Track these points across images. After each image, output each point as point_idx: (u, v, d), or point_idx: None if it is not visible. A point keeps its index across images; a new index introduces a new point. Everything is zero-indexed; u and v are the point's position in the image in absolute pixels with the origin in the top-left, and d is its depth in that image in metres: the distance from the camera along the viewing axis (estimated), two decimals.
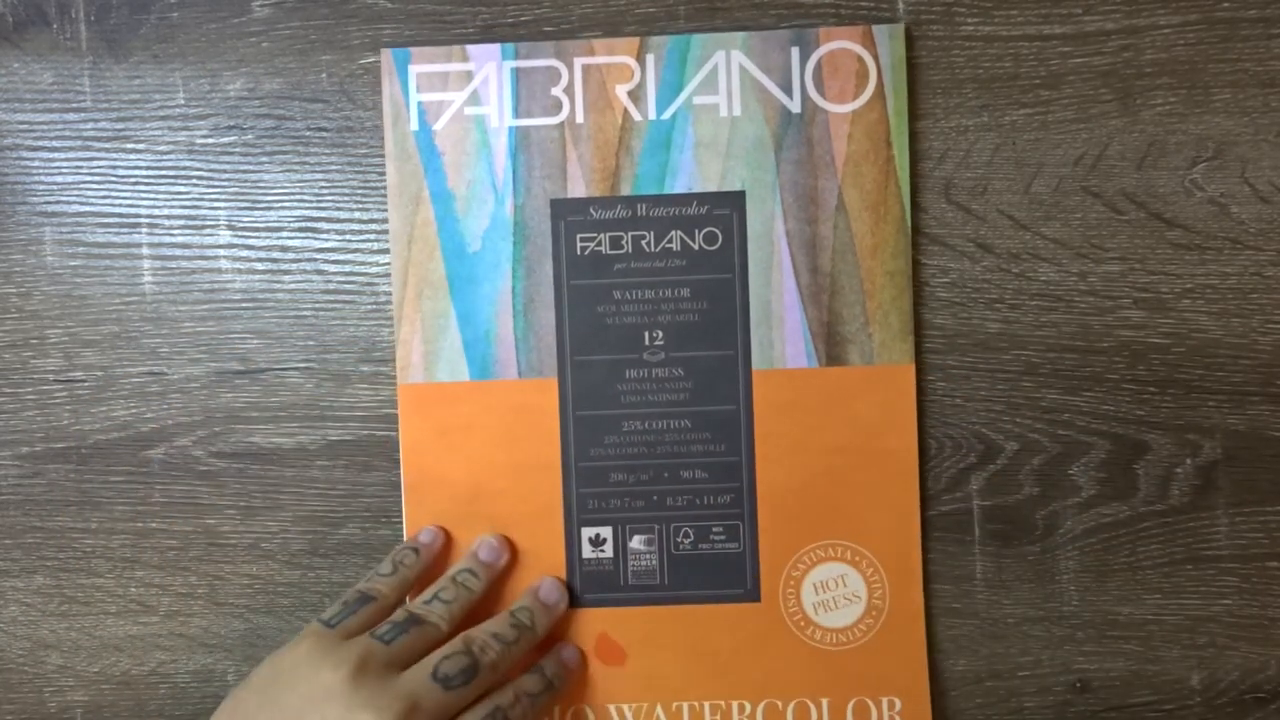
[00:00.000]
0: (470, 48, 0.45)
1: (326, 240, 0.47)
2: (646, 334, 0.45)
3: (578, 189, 0.45)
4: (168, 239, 0.48)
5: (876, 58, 0.45)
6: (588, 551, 0.46)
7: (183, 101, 0.47)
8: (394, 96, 0.46)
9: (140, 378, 0.48)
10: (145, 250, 0.48)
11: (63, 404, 0.48)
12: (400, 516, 0.47)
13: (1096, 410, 0.46)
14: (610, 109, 0.45)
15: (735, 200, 0.45)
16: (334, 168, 0.47)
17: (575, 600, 0.46)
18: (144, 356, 0.48)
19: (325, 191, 0.47)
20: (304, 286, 0.47)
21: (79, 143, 0.48)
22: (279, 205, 0.47)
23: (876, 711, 0.46)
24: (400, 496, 0.47)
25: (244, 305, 0.47)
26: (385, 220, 0.47)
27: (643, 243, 0.45)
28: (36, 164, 0.48)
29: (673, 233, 0.45)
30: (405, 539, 0.46)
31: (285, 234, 0.47)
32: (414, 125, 0.45)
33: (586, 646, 0.46)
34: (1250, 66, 0.45)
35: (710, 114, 0.45)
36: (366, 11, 0.47)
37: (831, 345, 0.45)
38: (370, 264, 0.47)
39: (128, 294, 0.48)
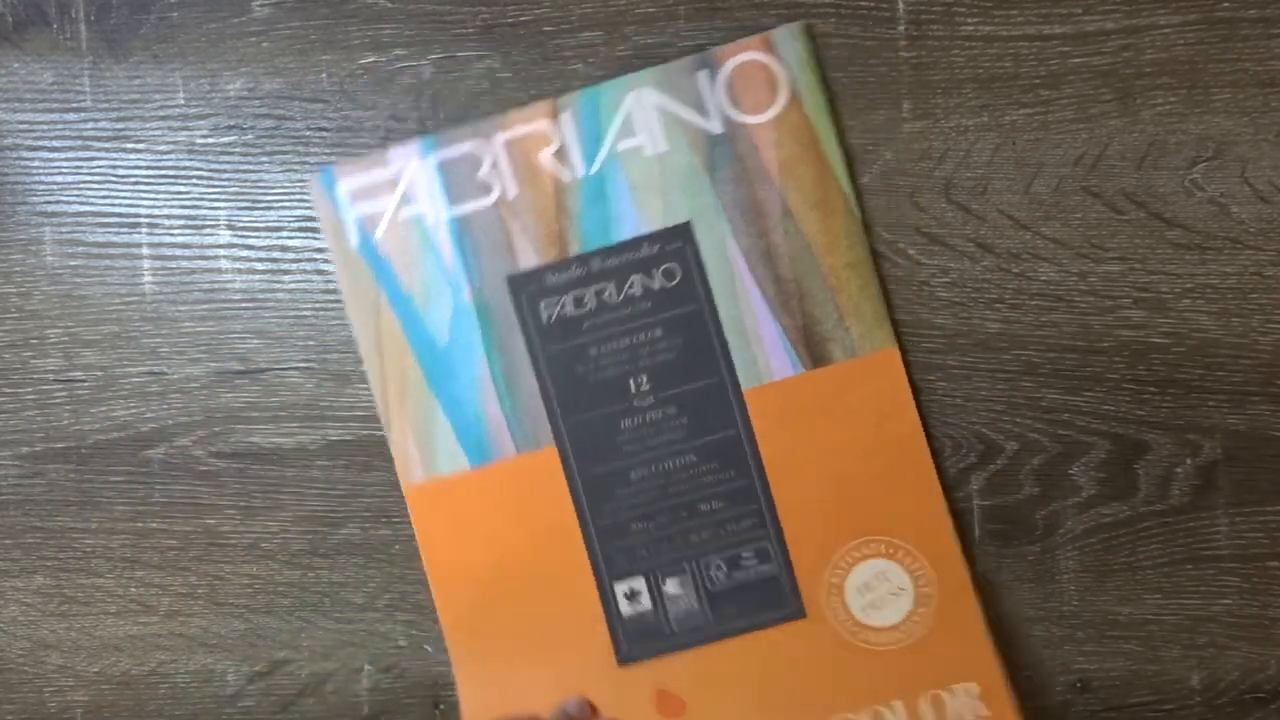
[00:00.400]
0: (390, 151, 0.45)
1: (327, 240, 0.47)
2: (631, 382, 0.45)
3: (529, 260, 0.45)
4: (168, 239, 0.48)
5: (782, 60, 0.45)
6: (625, 607, 0.46)
7: (183, 101, 0.47)
8: (329, 217, 0.46)
9: (140, 378, 0.48)
10: (145, 250, 0.48)
11: (63, 404, 0.48)
12: (403, 518, 0.47)
13: (1096, 410, 0.46)
14: (539, 177, 0.45)
15: (683, 232, 0.45)
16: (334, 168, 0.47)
17: (624, 658, 0.46)
18: (144, 356, 0.48)
19: None
20: (304, 286, 0.47)
21: (79, 143, 0.48)
22: (279, 205, 0.47)
23: (954, 701, 0.45)
24: (401, 498, 0.47)
25: (244, 305, 0.47)
26: None
27: (604, 296, 0.45)
28: (36, 164, 0.48)
29: (631, 278, 0.45)
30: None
31: (285, 234, 0.47)
32: (355, 241, 0.45)
33: (645, 704, 0.45)
34: (1250, 66, 0.45)
35: (636, 156, 0.45)
36: (366, 11, 0.47)
37: (813, 348, 0.45)
38: None
39: (128, 294, 0.48)
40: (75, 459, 0.48)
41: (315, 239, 0.47)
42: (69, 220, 0.48)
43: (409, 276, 0.45)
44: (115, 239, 0.48)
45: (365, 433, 0.47)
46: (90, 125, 0.47)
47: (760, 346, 0.45)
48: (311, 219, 0.47)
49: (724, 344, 0.45)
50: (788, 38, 0.45)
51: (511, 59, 0.47)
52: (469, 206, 0.45)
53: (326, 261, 0.47)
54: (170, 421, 0.48)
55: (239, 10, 0.47)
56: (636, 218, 0.45)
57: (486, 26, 0.47)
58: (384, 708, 0.48)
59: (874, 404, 0.45)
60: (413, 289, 0.45)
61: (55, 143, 0.48)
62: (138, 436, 0.48)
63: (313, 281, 0.47)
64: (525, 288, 0.45)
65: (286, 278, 0.47)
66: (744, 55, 0.45)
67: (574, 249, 0.45)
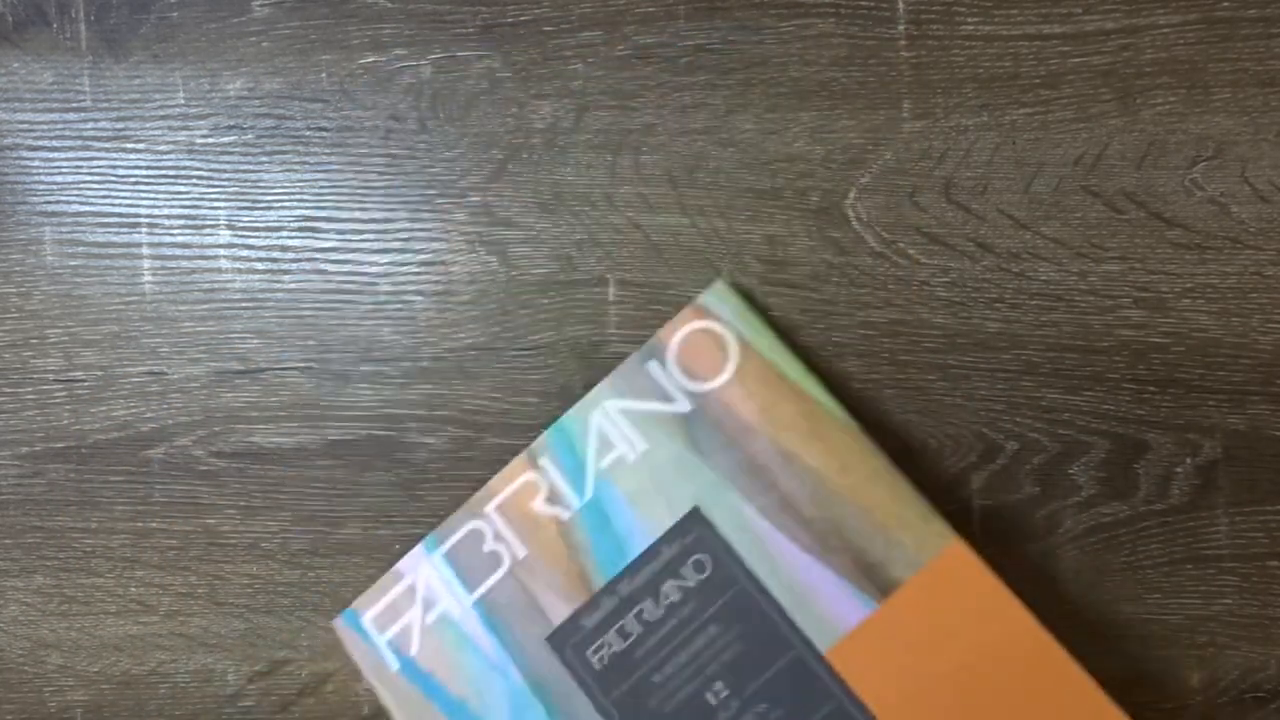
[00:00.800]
0: (400, 564, 0.45)
1: (326, 240, 0.47)
2: (709, 695, 0.42)
3: (560, 612, 0.43)
4: (168, 239, 0.48)
5: (719, 320, 0.44)
6: None
7: (183, 101, 0.47)
8: (366, 654, 0.44)
9: (140, 378, 0.48)
10: (145, 250, 0.48)
11: (63, 404, 0.48)
12: (404, 518, 0.47)
13: (1096, 410, 0.46)
14: (540, 527, 0.44)
15: (694, 519, 0.43)
16: (334, 168, 0.47)
17: None
18: (144, 356, 0.48)
19: (325, 191, 0.47)
20: (304, 286, 0.47)
21: (79, 143, 0.48)
22: (279, 205, 0.47)
23: None
24: (400, 496, 0.47)
25: (244, 305, 0.48)
26: (385, 220, 0.47)
27: (644, 616, 0.42)
28: (36, 164, 0.48)
29: (664, 587, 0.43)
30: None
31: (285, 234, 0.47)
32: (395, 666, 0.44)
33: None
34: (1250, 66, 0.46)
35: (622, 466, 0.44)
36: (366, 11, 0.47)
37: (875, 578, 0.42)
38: (370, 264, 0.47)
39: (128, 294, 0.48)
40: (75, 459, 0.48)
41: (315, 239, 0.47)
42: (69, 220, 0.48)
43: (455, 681, 0.44)
44: (115, 239, 0.48)
45: (365, 433, 0.47)
46: (90, 125, 0.48)
47: (821, 600, 0.42)
48: (312, 218, 0.47)
49: (783, 613, 0.42)
50: (716, 299, 0.44)
51: (511, 59, 0.47)
52: (487, 584, 0.44)
53: (327, 261, 0.47)
54: (170, 421, 0.48)
55: (239, 10, 0.47)
56: (646, 524, 0.43)
57: (486, 26, 0.47)
58: (384, 708, 0.48)
59: (965, 608, 0.41)
60: (464, 693, 0.43)
61: (55, 143, 0.48)
62: (138, 436, 0.48)
63: (313, 281, 0.47)
64: (567, 642, 0.43)
65: (286, 278, 0.47)
66: (683, 330, 0.44)
67: (598, 582, 0.43)
